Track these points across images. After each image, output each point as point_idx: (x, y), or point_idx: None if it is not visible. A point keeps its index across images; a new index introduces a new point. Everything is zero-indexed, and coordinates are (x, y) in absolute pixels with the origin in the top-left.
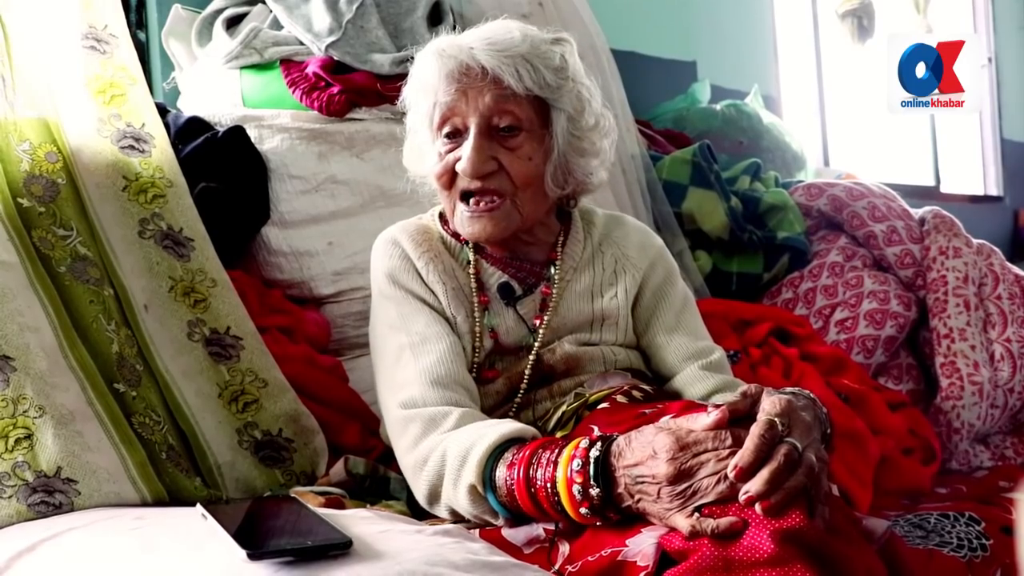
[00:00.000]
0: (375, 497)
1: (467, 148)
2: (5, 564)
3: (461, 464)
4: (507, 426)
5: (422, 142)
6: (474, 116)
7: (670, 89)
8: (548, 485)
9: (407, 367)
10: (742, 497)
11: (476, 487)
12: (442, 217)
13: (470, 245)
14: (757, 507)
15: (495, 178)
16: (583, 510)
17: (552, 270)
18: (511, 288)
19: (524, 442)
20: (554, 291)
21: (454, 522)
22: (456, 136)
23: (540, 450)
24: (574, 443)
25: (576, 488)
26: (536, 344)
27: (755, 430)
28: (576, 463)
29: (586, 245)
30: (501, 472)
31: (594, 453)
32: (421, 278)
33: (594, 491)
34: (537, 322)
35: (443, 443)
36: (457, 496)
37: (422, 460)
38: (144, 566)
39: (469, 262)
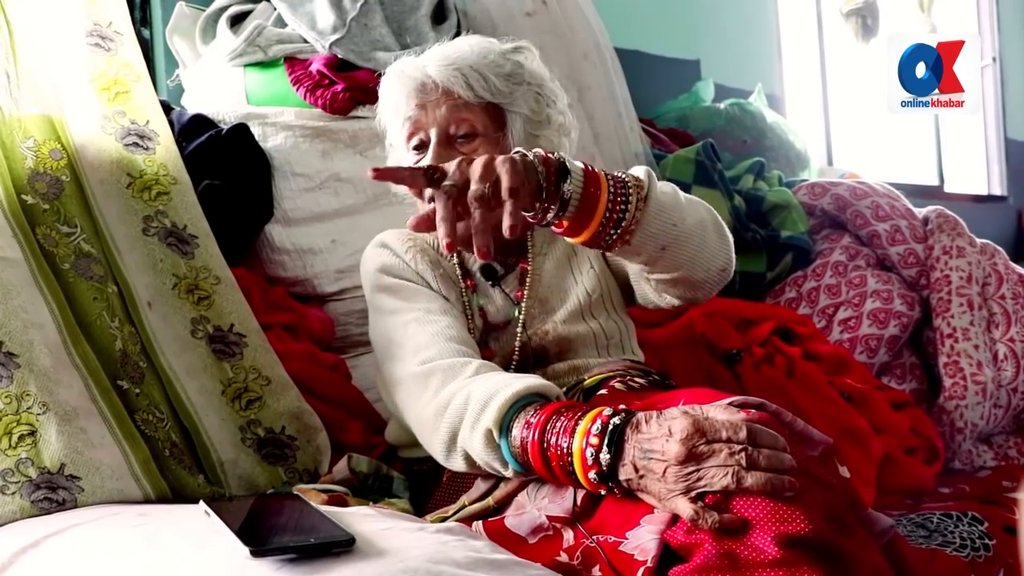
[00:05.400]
0: (378, 495)
1: (428, 158)
2: (8, 560)
3: (483, 407)
4: (533, 379)
5: (400, 157)
6: (433, 127)
7: (674, 88)
8: (563, 447)
9: (418, 335)
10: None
11: (492, 432)
12: None
13: None
14: (731, 479)
15: None
16: (591, 474)
17: (527, 246)
18: (493, 269)
19: (548, 399)
20: (531, 266)
21: (462, 507)
22: (422, 148)
23: (562, 410)
24: (595, 411)
25: (590, 452)
26: (522, 317)
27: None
28: (596, 427)
29: None
30: (518, 427)
31: (615, 420)
32: (412, 269)
33: (604, 456)
34: (519, 296)
35: (468, 387)
36: (473, 439)
37: (444, 405)
38: (147, 562)
39: (452, 255)
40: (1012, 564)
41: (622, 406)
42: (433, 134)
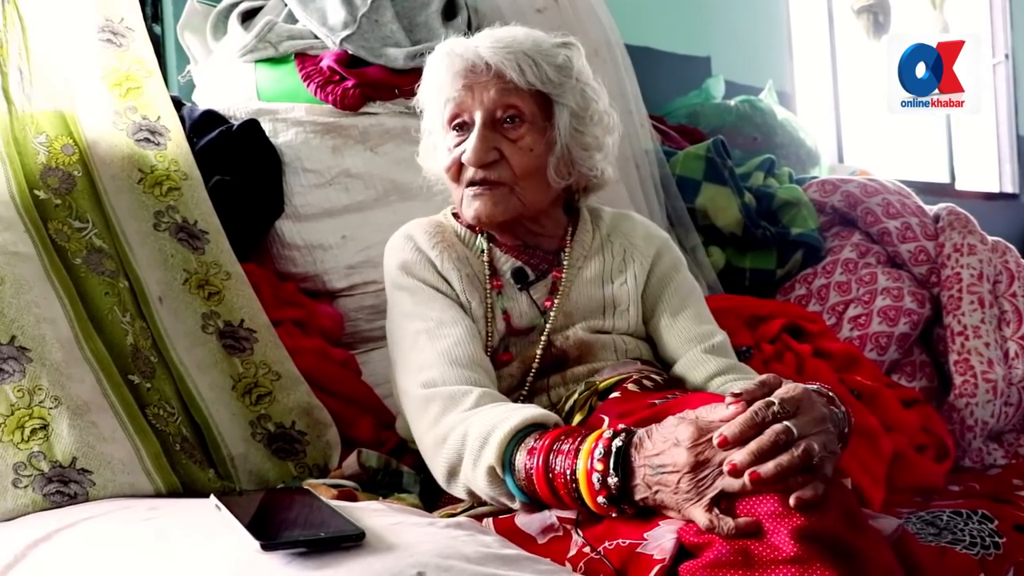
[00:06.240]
0: (387, 490)
1: (471, 139)
2: (22, 552)
3: (482, 445)
4: (530, 410)
5: (437, 141)
6: (479, 109)
7: (684, 84)
8: (568, 472)
9: (424, 350)
10: (726, 466)
11: (495, 469)
12: (455, 215)
13: (484, 235)
14: (745, 477)
15: (497, 168)
16: (600, 499)
17: (563, 256)
18: (524, 272)
19: (546, 428)
20: (564, 275)
21: (470, 507)
22: (464, 130)
23: (562, 437)
24: (596, 433)
25: (596, 477)
26: (547, 326)
27: (752, 407)
28: (599, 451)
29: (595, 236)
30: (521, 457)
31: (617, 443)
32: (435, 268)
33: (612, 480)
34: (548, 305)
35: (465, 422)
36: (476, 476)
37: (442, 438)
38: (158, 555)
39: (483, 251)
40: (1022, 563)
41: (621, 426)
42: (478, 116)
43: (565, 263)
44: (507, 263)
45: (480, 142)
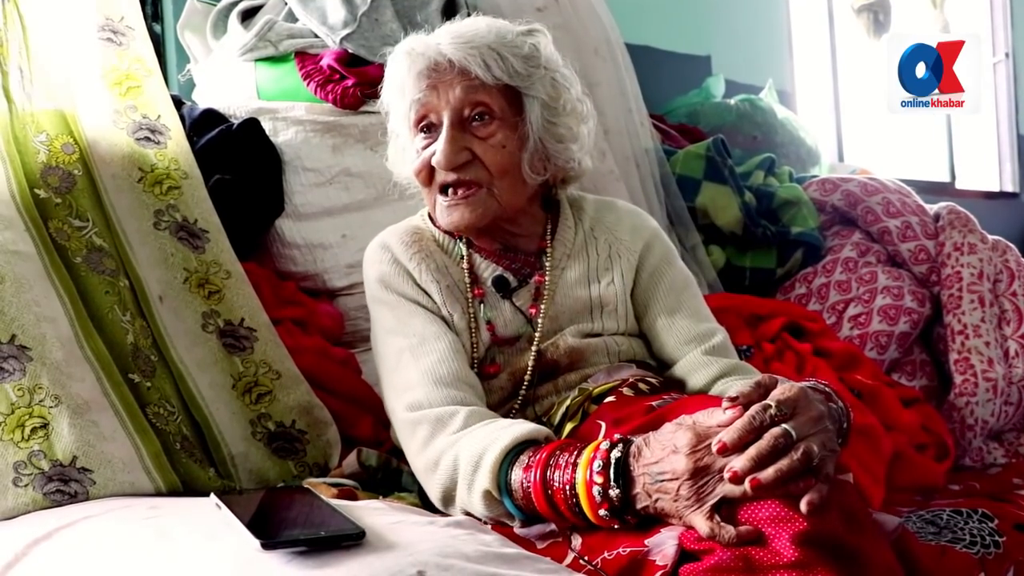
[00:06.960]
0: (387, 489)
1: (440, 141)
2: (22, 551)
3: (475, 468)
4: (520, 428)
5: (404, 144)
6: (446, 109)
7: (684, 83)
8: (567, 487)
9: (408, 369)
10: (727, 473)
11: (491, 492)
12: (432, 217)
13: (463, 240)
14: (746, 484)
15: (470, 168)
16: (602, 512)
17: (544, 258)
18: (506, 280)
19: (538, 444)
20: (547, 279)
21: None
22: (432, 131)
23: (557, 452)
24: (593, 445)
25: (596, 490)
26: (537, 335)
27: (749, 411)
28: (597, 464)
29: (577, 231)
30: (517, 475)
31: (615, 454)
32: (414, 280)
33: (613, 492)
34: (533, 312)
35: (455, 446)
36: (472, 500)
37: (433, 462)
38: (159, 554)
39: (463, 257)
40: (1022, 562)
41: (618, 436)
42: (446, 116)
43: (547, 265)
44: (488, 270)
45: (449, 144)
